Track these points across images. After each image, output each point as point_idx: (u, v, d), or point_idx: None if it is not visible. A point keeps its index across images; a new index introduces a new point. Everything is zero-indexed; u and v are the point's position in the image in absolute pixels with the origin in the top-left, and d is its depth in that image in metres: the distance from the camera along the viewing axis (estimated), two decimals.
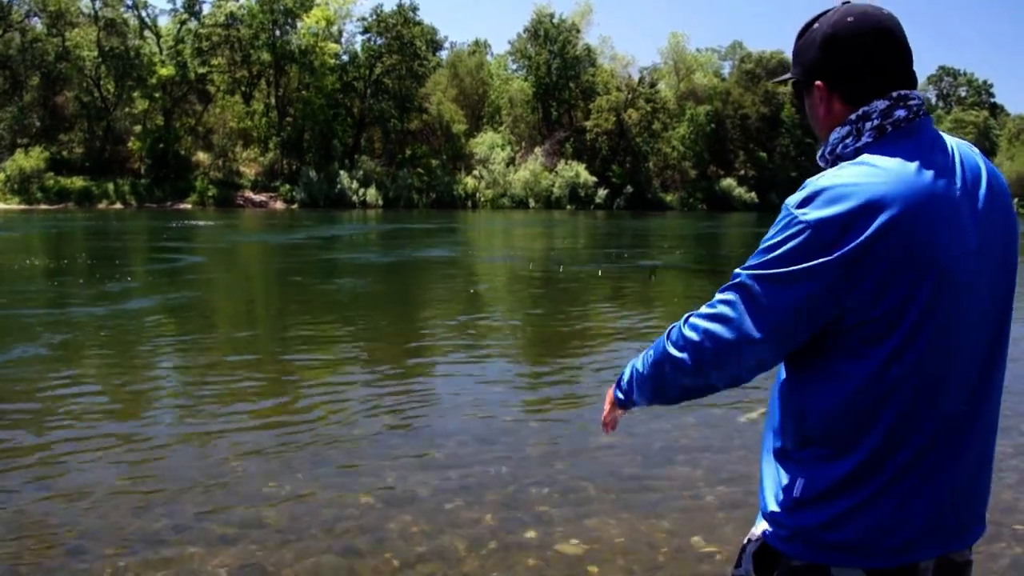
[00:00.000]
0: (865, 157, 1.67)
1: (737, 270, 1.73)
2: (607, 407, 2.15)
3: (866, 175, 1.62)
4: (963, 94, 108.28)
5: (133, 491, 5.28)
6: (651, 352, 1.91)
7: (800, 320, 1.65)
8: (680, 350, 1.79)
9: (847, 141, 1.74)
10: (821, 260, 1.59)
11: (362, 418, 7.07)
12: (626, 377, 2.02)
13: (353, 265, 21.91)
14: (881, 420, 1.65)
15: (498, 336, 11.61)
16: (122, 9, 66.50)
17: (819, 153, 1.83)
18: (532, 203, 70.61)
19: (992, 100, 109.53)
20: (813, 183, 1.66)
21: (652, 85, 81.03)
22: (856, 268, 1.58)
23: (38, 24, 64.95)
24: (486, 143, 73.61)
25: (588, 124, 77.19)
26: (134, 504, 5.06)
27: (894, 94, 1.71)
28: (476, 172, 72.22)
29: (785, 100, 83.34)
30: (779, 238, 1.65)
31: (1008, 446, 6.29)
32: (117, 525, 4.75)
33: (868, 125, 1.71)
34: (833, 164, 1.76)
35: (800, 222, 1.62)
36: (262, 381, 8.51)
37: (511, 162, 73.16)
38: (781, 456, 1.80)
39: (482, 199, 70.76)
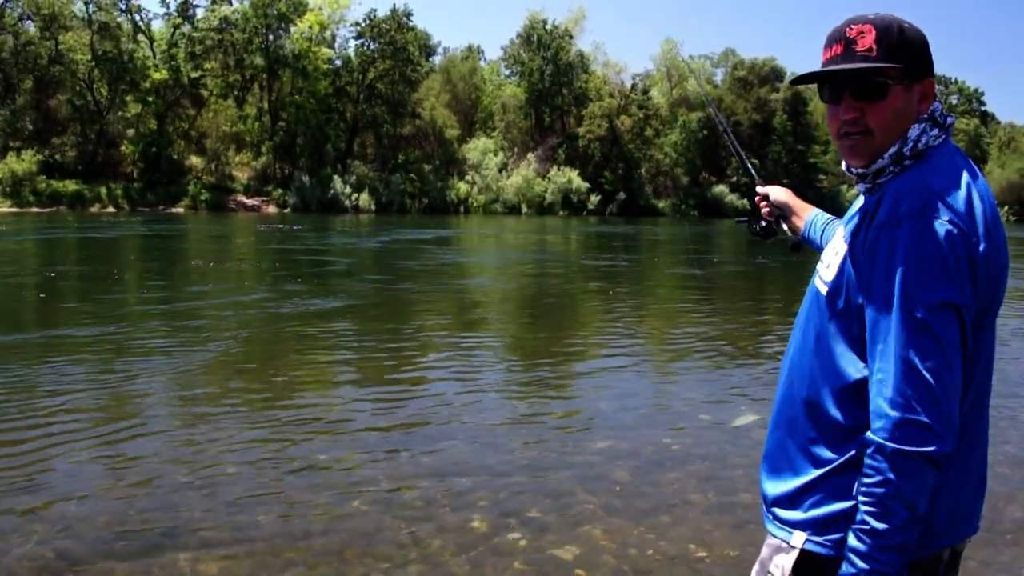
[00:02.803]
0: (938, 161, 1.76)
1: (902, 313, 1.60)
2: None
3: (957, 176, 1.71)
4: (954, 102, 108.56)
5: (120, 495, 5.28)
6: (873, 517, 1.62)
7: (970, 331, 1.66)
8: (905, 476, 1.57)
9: (928, 137, 1.80)
10: (971, 258, 1.63)
11: (354, 423, 7.08)
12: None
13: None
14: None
15: (492, 343, 11.63)
16: (116, 13, 66.33)
17: (892, 151, 1.80)
18: (524, 209, 70.59)
19: (983, 108, 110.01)
20: (917, 191, 1.67)
21: (645, 92, 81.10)
22: (980, 264, 1.65)
23: (31, 27, 64.72)
24: (479, 149, 73.55)
25: (581, 130, 77.22)
26: (121, 509, 5.06)
27: (938, 100, 1.84)
28: (469, 177, 72.16)
29: (777, 108, 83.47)
30: (928, 253, 1.60)
31: (994, 452, 6.33)
32: (104, 530, 4.76)
33: (948, 121, 1.82)
34: (902, 160, 1.80)
35: (939, 228, 1.61)
36: (255, 384, 8.50)
37: (504, 168, 73.12)
38: (826, 464, 1.79)
39: (474, 204, 70.72)
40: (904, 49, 1.79)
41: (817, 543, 1.77)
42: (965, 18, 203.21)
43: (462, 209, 70.30)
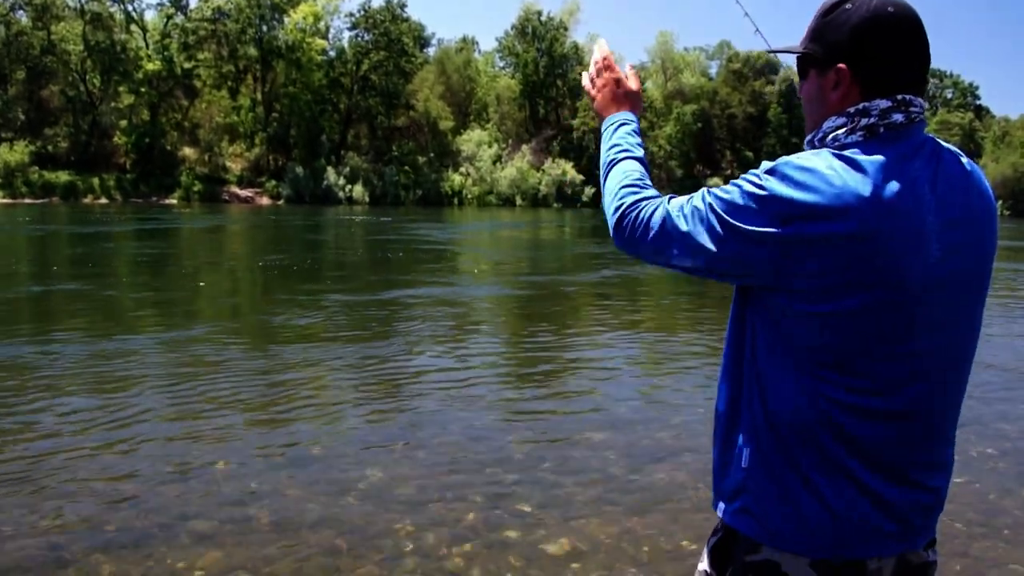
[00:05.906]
0: (845, 154, 1.60)
1: (706, 194, 1.75)
2: (601, 86, 2.40)
3: (839, 173, 1.57)
4: (949, 96, 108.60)
5: (115, 488, 5.25)
6: (620, 172, 1.99)
7: (727, 267, 1.69)
8: (623, 208, 1.87)
9: (839, 133, 1.68)
10: (760, 229, 1.60)
11: (346, 416, 7.06)
12: (606, 139, 2.18)
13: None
14: (838, 420, 1.65)
15: (486, 337, 11.60)
16: (108, 3, 66.13)
17: (808, 138, 1.78)
18: (519, 201, 70.61)
19: (978, 102, 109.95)
20: (786, 159, 1.63)
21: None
22: (800, 254, 1.57)
23: (23, 17, 64.53)
24: (473, 140, 73.58)
25: (575, 122, 77.27)
26: (116, 502, 5.03)
27: (899, 97, 1.65)
28: (463, 169, 72.19)
29: (772, 100, 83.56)
30: (738, 190, 1.67)
31: (989, 447, 6.32)
32: (99, 523, 4.72)
33: (863, 122, 1.65)
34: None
35: (758, 186, 1.63)
36: (248, 381, 8.46)
37: (498, 160, 73.15)
38: (738, 440, 1.79)
39: (469, 196, 70.72)
40: (825, 32, 1.72)
41: (728, 513, 1.80)
42: (960, 12, 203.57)
43: (456, 201, 70.28)
